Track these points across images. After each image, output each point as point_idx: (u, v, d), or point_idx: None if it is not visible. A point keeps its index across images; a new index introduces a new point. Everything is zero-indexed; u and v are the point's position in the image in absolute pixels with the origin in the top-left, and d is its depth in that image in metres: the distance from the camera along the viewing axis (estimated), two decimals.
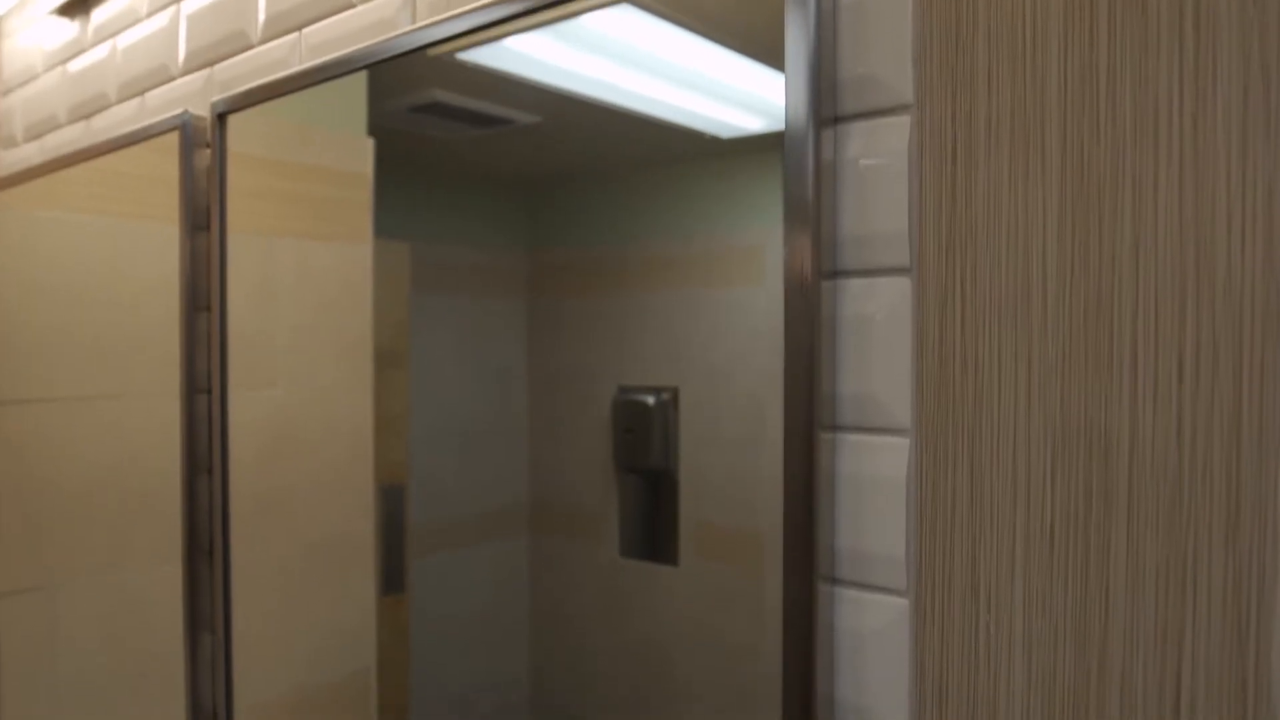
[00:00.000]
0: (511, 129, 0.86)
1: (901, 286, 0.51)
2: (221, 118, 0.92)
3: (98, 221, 1.18)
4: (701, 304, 0.67)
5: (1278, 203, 0.40)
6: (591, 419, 0.84)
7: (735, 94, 0.60)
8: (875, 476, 0.52)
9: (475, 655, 1.15)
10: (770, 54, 0.54)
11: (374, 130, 1.08)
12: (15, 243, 1.30)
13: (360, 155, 1.28)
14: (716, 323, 0.67)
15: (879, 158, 0.51)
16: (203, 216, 0.97)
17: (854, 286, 0.52)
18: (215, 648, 0.93)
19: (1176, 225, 0.43)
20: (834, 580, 0.53)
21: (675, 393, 0.72)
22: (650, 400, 0.75)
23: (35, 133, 1.27)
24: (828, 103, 0.52)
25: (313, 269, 1.31)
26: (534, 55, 0.77)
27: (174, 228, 1.01)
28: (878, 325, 0.51)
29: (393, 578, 1.26)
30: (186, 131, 0.95)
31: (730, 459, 0.68)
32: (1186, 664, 0.43)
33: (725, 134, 0.63)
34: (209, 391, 0.96)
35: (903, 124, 0.50)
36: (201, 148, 0.96)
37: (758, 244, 0.56)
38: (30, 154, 1.28)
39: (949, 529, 0.49)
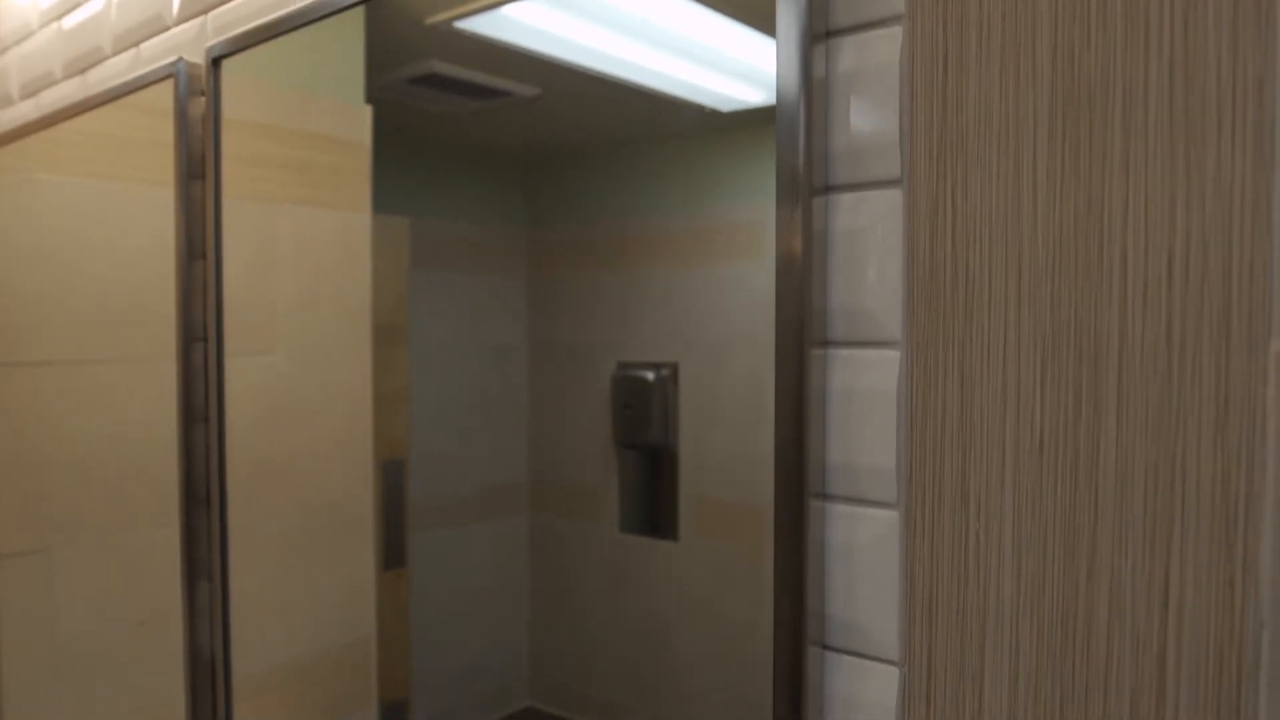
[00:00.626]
0: (510, 101, 0.85)
1: (892, 199, 0.51)
2: (216, 63, 0.91)
3: (94, 185, 1.18)
4: (702, 279, 0.67)
5: (1268, 96, 0.40)
6: (591, 395, 0.84)
7: (734, 65, 0.60)
8: (866, 390, 0.52)
9: (476, 630, 1.16)
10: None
11: (372, 103, 1.08)
12: (12, 206, 1.30)
13: (358, 123, 1.28)
14: (717, 298, 0.67)
15: (871, 70, 0.51)
16: (198, 165, 0.96)
17: (846, 201, 0.52)
18: (213, 596, 0.93)
19: (1167, 125, 0.43)
20: (825, 496, 0.53)
21: (675, 368, 0.72)
22: (650, 376, 0.75)
23: (31, 90, 1.27)
24: (819, 18, 0.52)
25: (311, 236, 1.31)
26: (533, 24, 0.77)
27: (170, 191, 1.00)
28: (869, 238, 0.51)
29: (393, 552, 1.27)
30: (181, 79, 0.95)
31: (730, 434, 0.68)
32: (1175, 564, 0.43)
33: (725, 107, 0.63)
34: (205, 340, 0.96)
35: (895, 35, 0.50)
36: (196, 95, 0.96)
37: (758, 219, 0.55)
38: (26, 111, 1.28)
39: (939, 439, 0.49)
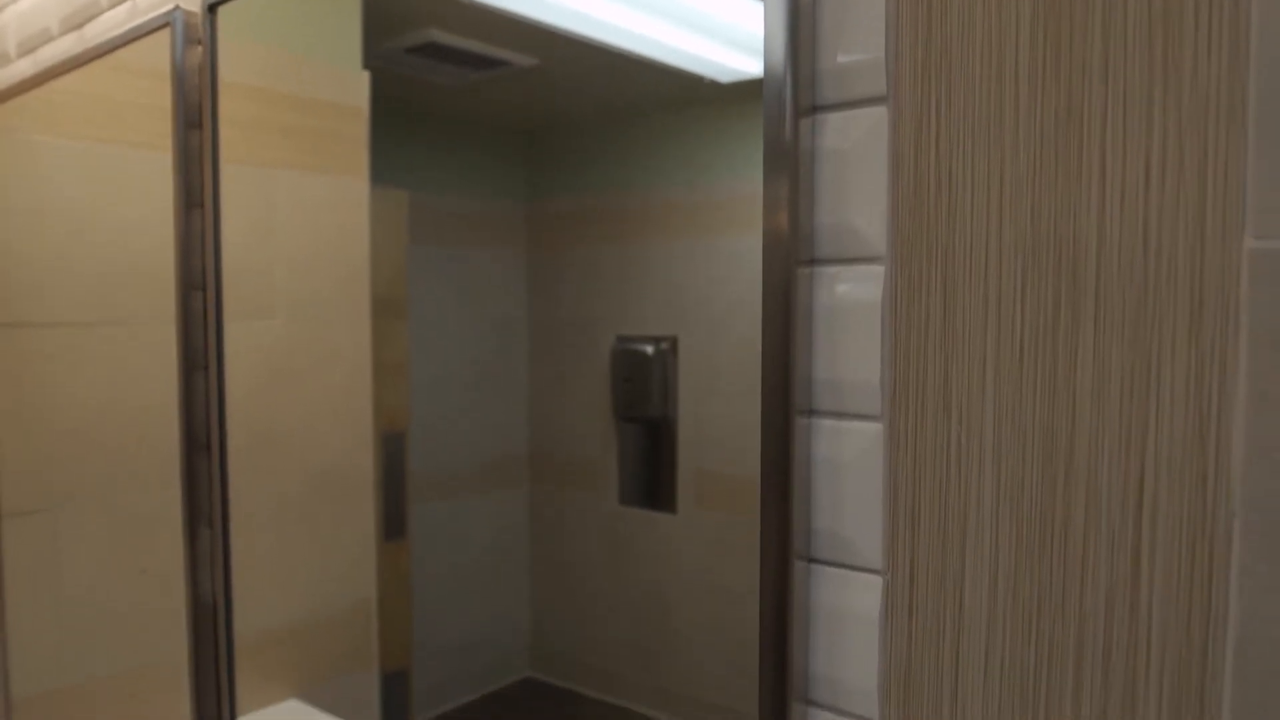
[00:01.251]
0: (509, 71, 0.86)
1: (878, 116, 0.51)
2: (212, 9, 0.92)
3: (94, 149, 1.18)
4: (702, 253, 0.67)
5: None
6: (591, 368, 0.85)
7: (732, 32, 0.60)
8: (851, 304, 0.53)
9: (476, 601, 1.17)
10: None
11: (369, 72, 1.08)
12: (11, 168, 1.30)
13: (356, 88, 1.28)
14: (717, 272, 0.67)
15: None
16: (194, 114, 0.97)
17: (833, 121, 0.53)
18: (214, 542, 0.94)
19: (1145, 26, 0.43)
20: (811, 412, 0.54)
21: (674, 341, 0.73)
22: (649, 349, 0.76)
23: (28, 47, 1.27)
24: None
25: (309, 202, 1.31)
26: None
27: (169, 155, 1.01)
28: (855, 156, 0.52)
29: (394, 524, 1.28)
30: (177, 26, 0.95)
31: (729, 407, 0.68)
32: (1150, 463, 0.44)
33: (724, 78, 0.63)
34: (204, 289, 0.97)
35: None
36: (193, 44, 0.96)
37: (759, 191, 0.56)
38: (24, 69, 1.28)
39: (922, 350, 0.50)
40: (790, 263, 0.53)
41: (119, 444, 1.18)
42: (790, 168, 0.52)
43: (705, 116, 0.64)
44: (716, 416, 0.70)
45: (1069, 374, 0.46)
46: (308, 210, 1.32)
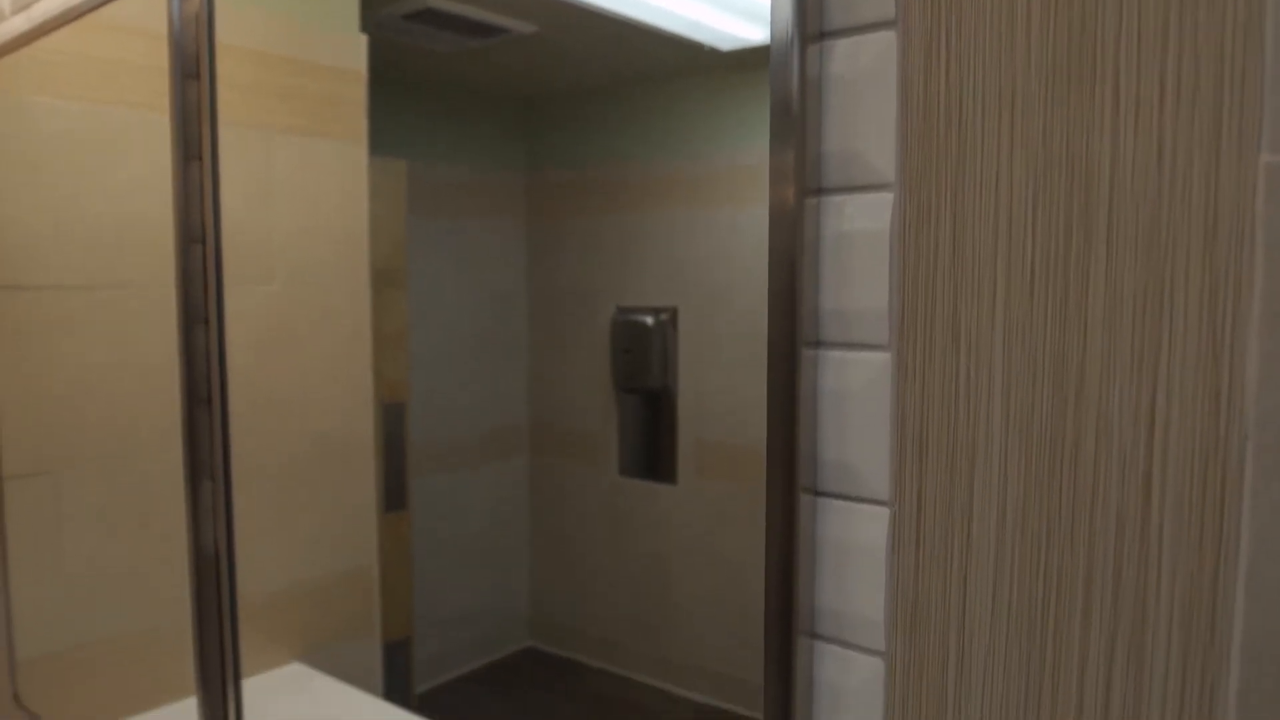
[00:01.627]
0: (508, 39, 0.85)
1: (887, 41, 0.50)
2: None
3: (94, 110, 1.17)
4: (703, 224, 0.67)
5: None
6: (590, 340, 0.85)
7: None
8: (859, 233, 0.52)
9: (477, 572, 1.17)
10: None
11: (367, 37, 1.06)
12: (9, 128, 1.29)
13: (354, 51, 1.27)
14: (717, 243, 0.67)
15: None
16: (192, 64, 0.96)
17: (841, 47, 0.52)
18: (215, 495, 0.94)
19: None
20: (818, 344, 0.54)
21: (674, 313, 0.72)
22: (649, 320, 0.75)
23: (22, 3, 1.26)
24: None
25: (308, 166, 1.30)
26: None
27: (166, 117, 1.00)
28: (863, 82, 0.51)
29: (394, 495, 1.28)
30: None
31: (729, 378, 0.68)
32: (1161, 384, 0.44)
33: (725, 45, 0.62)
34: (203, 242, 0.96)
35: None
36: None
37: (758, 161, 0.55)
38: (18, 26, 1.27)
39: (931, 278, 0.50)
40: (799, 193, 0.52)
41: (121, 406, 1.18)
42: (797, 95, 0.51)
43: (706, 86, 0.64)
44: (717, 387, 0.70)
45: (1080, 298, 0.45)
46: (306, 174, 1.31)
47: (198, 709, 0.98)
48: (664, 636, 0.83)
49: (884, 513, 0.52)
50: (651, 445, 0.80)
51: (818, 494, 0.54)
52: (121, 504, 1.22)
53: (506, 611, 1.08)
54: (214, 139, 0.94)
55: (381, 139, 1.24)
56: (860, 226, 0.52)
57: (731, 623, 0.70)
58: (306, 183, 1.28)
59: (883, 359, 0.51)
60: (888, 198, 0.51)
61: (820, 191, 0.53)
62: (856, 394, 0.52)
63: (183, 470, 0.97)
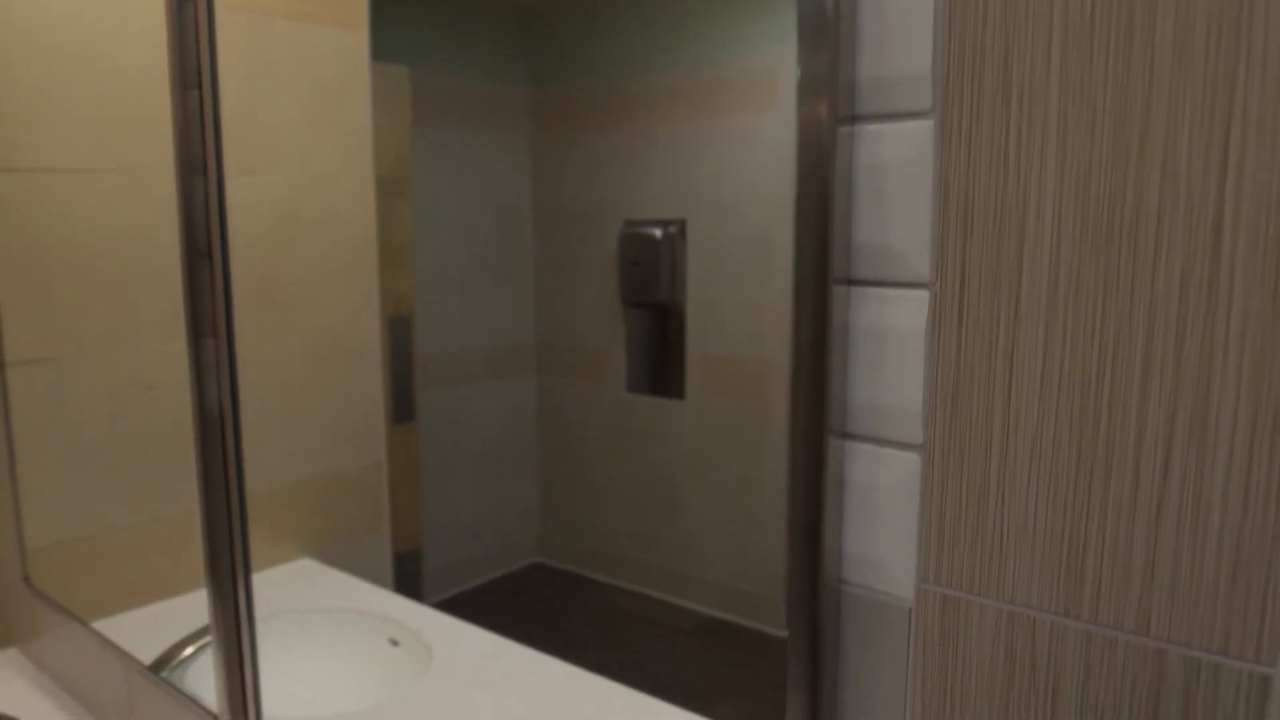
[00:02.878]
0: None
1: None
2: None
3: None
4: (711, 134, 0.64)
5: None
6: (598, 254, 0.82)
7: None
8: None
9: (485, 487, 1.15)
10: None
11: None
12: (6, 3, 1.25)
13: None
14: (727, 152, 0.63)
15: None
16: None
17: None
18: (219, 352, 0.92)
19: None
20: (854, 119, 0.50)
21: (683, 225, 0.69)
22: (657, 233, 0.73)
23: None
24: None
25: (307, 51, 1.26)
26: None
27: None
28: None
29: (402, 407, 1.26)
30: None
31: (738, 291, 0.65)
32: (1237, 120, 0.40)
33: None
34: (199, 87, 0.92)
35: None
36: None
37: (770, 65, 0.51)
38: None
39: (980, 28, 0.45)
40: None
41: (123, 293, 1.16)
42: None
43: None
44: (726, 300, 0.68)
45: (1148, 28, 0.41)
46: (307, 61, 1.27)
47: (207, 594, 0.97)
48: (672, 551, 0.81)
49: (923, 295, 0.48)
50: (659, 360, 0.77)
51: (851, 284, 0.51)
52: (126, 391, 1.20)
53: (514, 527, 1.07)
54: (213, 55, 0.90)
55: (384, 45, 1.20)
56: None
57: (739, 537, 0.68)
58: (307, 68, 1.25)
59: (925, 126, 0.48)
60: None
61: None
62: (895, 167, 0.49)
63: (185, 328, 0.94)
